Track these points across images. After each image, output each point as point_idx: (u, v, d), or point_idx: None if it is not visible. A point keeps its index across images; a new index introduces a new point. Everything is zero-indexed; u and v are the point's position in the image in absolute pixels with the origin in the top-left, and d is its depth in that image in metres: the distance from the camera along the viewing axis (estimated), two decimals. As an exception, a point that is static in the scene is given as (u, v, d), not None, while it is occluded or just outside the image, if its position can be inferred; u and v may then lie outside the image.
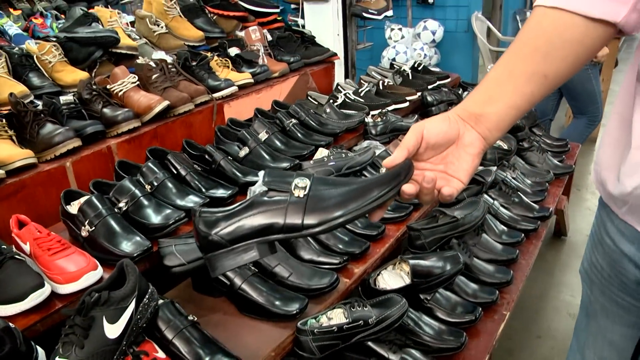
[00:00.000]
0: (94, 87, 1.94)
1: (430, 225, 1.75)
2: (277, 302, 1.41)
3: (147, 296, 1.23)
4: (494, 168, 2.23)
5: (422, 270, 1.56)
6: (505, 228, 2.04)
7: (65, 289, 1.30)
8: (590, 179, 3.94)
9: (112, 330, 1.14)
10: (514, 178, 2.37)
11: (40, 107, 1.80)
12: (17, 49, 2.09)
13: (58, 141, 1.71)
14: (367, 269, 1.64)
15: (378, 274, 1.60)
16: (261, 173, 0.82)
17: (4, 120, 1.74)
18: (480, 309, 1.66)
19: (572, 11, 0.74)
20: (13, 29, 2.77)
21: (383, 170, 0.80)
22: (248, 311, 1.44)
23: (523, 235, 2.03)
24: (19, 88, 1.91)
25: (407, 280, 1.55)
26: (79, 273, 1.31)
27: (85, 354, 1.11)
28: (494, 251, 1.90)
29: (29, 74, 2.04)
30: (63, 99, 1.87)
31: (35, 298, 1.24)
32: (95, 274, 1.33)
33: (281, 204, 0.76)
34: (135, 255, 1.38)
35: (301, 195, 0.76)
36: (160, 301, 1.33)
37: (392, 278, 1.57)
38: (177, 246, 1.45)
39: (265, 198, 0.78)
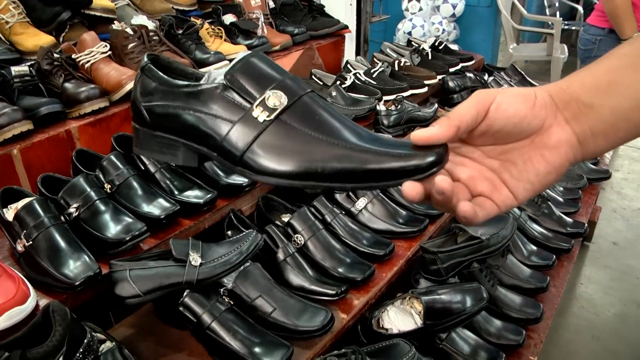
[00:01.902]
0: (56, 56, 1.61)
1: (448, 248, 1.46)
2: (255, 349, 1.12)
3: (82, 349, 0.95)
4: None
5: (438, 309, 1.27)
6: (534, 247, 1.74)
7: (-19, 327, 1.02)
8: (618, 177, 3.61)
9: (25, 405, 0.85)
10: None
11: (-14, 80, 1.49)
12: (-32, 5, 1.76)
13: (2, 123, 1.39)
14: (369, 299, 1.35)
15: (383, 311, 1.31)
16: (242, 53, 0.54)
17: (-62, 94, 1.43)
18: (504, 355, 1.37)
19: None
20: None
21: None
22: (219, 355, 1.16)
23: (555, 257, 1.73)
24: (-36, 54, 1.60)
25: (419, 322, 1.26)
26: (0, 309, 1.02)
27: None
28: (520, 276, 1.61)
29: (-20, 36, 1.72)
30: (15, 69, 1.56)
31: None
32: (22, 309, 1.03)
33: (231, 114, 0.52)
34: (77, 283, 1.09)
35: (261, 119, 0.51)
36: (105, 345, 1.05)
37: (400, 317, 1.28)
38: (133, 271, 1.15)
39: (218, 95, 0.53)
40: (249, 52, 0.54)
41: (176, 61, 0.59)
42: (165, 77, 0.56)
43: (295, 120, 0.51)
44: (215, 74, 0.54)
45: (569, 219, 1.93)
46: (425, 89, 2.33)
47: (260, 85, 0.52)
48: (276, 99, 0.51)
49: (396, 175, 0.47)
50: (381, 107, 2.04)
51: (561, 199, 2.07)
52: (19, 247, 1.17)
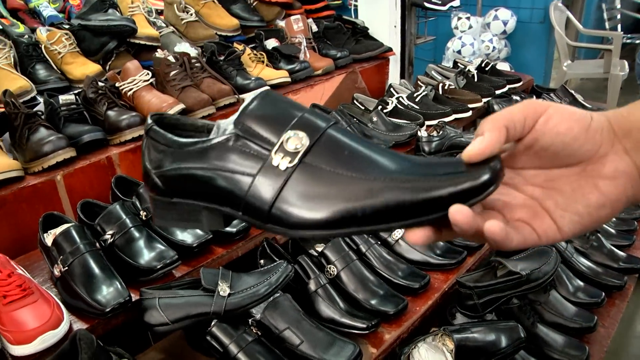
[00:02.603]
0: (100, 84, 1.67)
1: (485, 283, 1.40)
2: (280, 383, 1.11)
3: (106, 377, 0.96)
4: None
5: (470, 348, 1.23)
6: (581, 283, 1.64)
7: (16, 350, 1.05)
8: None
9: None
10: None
11: (36, 109, 1.56)
12: (26, 37, 1.86)
13: (47, 151, 1.45)
14: (401, 334, 1.31)
15: (414, 347, 1.27)
16: (250, 95, 0.49)
17: (-9, 122, 1.50)
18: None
19: None
20: (48, 10, 2.56)
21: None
22: (244, 387, 1.15)
23: (604, 295, 1.62)
24: (19, 83, 1.68)
25: (451, 360, 1.22)
26: (34, 332, 1.05)
27: None
28: (564, 315, 1.52)
29: (35, 65, 1.80)
30: (63, 98, 1.62)
31: (-28, 365, 0.99)
32: (55, 333, 1.07)
33: (250, 166, 0.46)
34: (108, 309, 1.11)
35: (283, 167, 0.45)
36: (132, 374, 1.06)
37: (431, 354, 1.24)
38: (162, 299, 1.17)
39: (231, 147, 0.46)
40: (260, 91, 0.49)
41: (183, 116, 0.56)
42: (172, 137, 0.50)
43: (323, 160, 0.44)
44: (225, 124, 0.49)
45: (621, 253, 1.81)
46: (470, 113, 2.28)
47: (275, 128, 0.46)
48: (297, 140, 0.45)
49: (449, 201, 0.41)
50: (422, 132, 2.00)
51: (613, 231, 1.96)
52: (56, 272, 1.21)
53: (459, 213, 0.40)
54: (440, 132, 1.99)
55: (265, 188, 0.45)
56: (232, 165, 0.46)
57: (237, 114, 0.47)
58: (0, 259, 1.19)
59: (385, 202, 0.42)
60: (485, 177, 0.41)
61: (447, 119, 2.14)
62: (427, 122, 2.13)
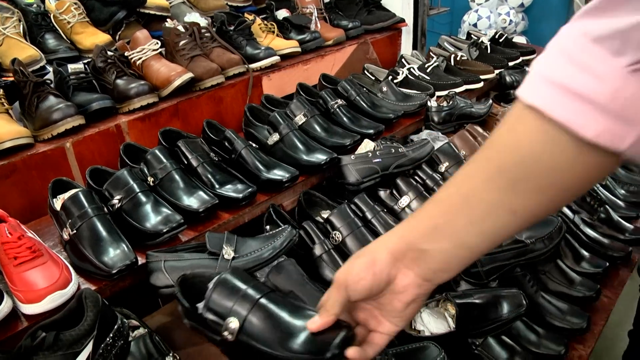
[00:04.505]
0: (109, 53, 1.68)
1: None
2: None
3: (112, 333, 0.98)
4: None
5: (472, 314, 1.23)
6: (586, 253, 1.63)
7: (26, 309, 1.08)
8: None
9: (55, 385, 0.90)
10: (602, 185, 1.93)
11: (45, 78, 1.58)
12: (34, 6, 1.87)
13: (56, 118, 1.48)
14: (404, 299, 1.32)
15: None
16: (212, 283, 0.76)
17: (1, 90, 1.52)
18: (544, 366, 1.31)
19: (556, 120, 0.49)
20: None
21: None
22: (248, 349, 1.18)
23: (608, 264, 1.61)
24: (27, 52, 1.69)
25: (452, 325, 1.23)
26: (43, 292, 1.07)
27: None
28: (567, 283, 1.52)
29: (44, 35, 1.82)
30: (72, 67, 1.64)
31: (-17, 322, 1.03)
32: (63, 293, 1.09)
33: (215, 336, 0.74)
34: (114, 271, 1.14)
35: (229, 339, 0.72)
36: (138, 332, 1.09)
37: (433, 319, 1.25)
38: (167, 262, 1.18)
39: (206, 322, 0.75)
40: (216, 279, 0.76)
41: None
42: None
43: (247, 335, 0.71)
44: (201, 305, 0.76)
45: (628, 225, 1.79)
46: (481, 84, 2.25)
47: (224, 310, 0.72)
48: (233, 324, 0.71)
49: None
50: (432, 102, 1.99)
51: (622, 203, 1.94)
52: (65, 235, 1.23)
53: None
54: (450, 102, 1.97)
55: (229, 352, 0.76)
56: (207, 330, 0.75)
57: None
58: (11, 223, 1.23)
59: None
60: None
61: (458, 90, 2.12)
62: (438, 93, 2.12)
